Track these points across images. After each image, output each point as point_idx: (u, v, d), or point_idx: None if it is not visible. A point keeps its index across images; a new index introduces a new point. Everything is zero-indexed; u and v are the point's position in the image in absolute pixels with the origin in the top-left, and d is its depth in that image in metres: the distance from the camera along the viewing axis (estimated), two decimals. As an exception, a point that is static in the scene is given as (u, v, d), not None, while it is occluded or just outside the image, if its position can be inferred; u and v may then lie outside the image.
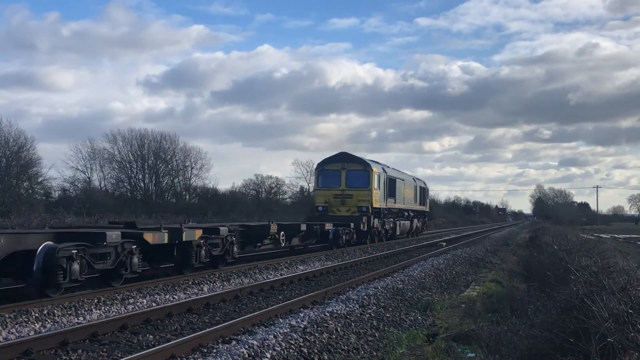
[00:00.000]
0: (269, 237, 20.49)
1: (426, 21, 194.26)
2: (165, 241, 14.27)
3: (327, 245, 25.74)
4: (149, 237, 13.68)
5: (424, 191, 44.80)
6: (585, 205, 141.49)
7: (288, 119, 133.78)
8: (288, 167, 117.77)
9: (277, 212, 57.94)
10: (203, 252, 15.61)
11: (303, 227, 23.51)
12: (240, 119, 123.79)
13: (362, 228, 28.80)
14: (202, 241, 15.54)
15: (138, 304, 11.47)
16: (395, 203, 34.95)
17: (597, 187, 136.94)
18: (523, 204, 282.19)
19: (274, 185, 70.55)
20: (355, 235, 28.04)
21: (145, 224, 23.23)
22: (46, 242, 11.24)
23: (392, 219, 34.58)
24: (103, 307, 10.90)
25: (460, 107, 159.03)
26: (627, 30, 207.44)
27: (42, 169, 49.29)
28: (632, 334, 6.70)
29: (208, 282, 14.57)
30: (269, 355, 7.86)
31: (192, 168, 59.68)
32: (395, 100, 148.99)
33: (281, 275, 16.47)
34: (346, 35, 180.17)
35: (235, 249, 17.50)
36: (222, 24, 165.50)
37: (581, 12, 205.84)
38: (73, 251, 11.27)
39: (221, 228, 16.88)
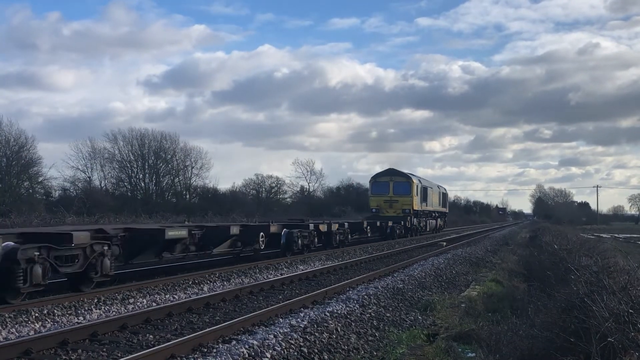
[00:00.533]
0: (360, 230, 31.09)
1: (427, 21, 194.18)
2: (326, 230, 23.92)
3: (385, 237, 34.41)
4: (322, 227, 23.53)
5: (445, 196, 56.35)
6: (585, 205, 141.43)
7: (289, 118, 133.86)
8: (288, 167, 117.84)
9: (278, 211, 57.94)
10: (338, 237, 25.45)
11: (378, 223, 33.98)
12: (240, 118, 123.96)
13: (407, 225, 38.76)
14: (336, 230, 25.24)
15: (138, 303, 11.47)
16: (426, 206, 44.43)
17: (597, 186, 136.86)
18: (523, 204, 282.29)
19: (274, 185, 70.69)
20: (403, 230, 37.93)
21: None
22: (284, 229, 20.64)
23: (424, 219, 44.23)
24: (103, 307, 10.89)
25: (460, 107, 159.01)
26: (628, 30, 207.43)
27: (42, 169, 49.38)
28: (632, 333, 6.69)
29: (208, 282, 14.56)
30: (269, 355, 7.86)
31: (192, 168, 59.76)
32: (396, 100, 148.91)
33: (281, 275, 16.46)
34: (347, 35, 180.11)
35: (349, 237, 27.58)
36: (222, 24, 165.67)
37: (581, 12, 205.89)
38: (297, 233, 20.89)
39: (345, 223, 27.12)
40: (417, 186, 41.17)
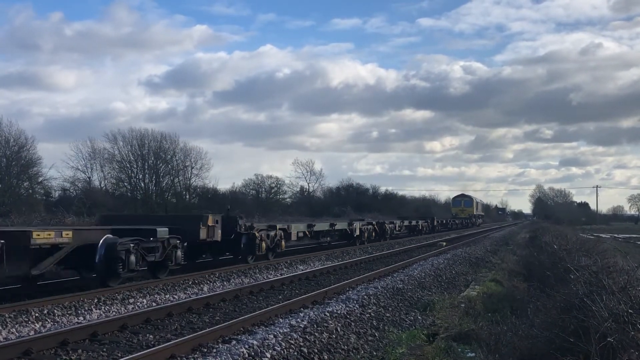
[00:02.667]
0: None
1: (428, 21, 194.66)
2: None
3: (467, 226, 68.23)
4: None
5: (483, 205, 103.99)
6: (585, 205, 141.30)
7: (289, 118, 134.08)
8: (289, 167, 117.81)
9: (278, 211, 57.92)
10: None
11: (457, 221, 66.79)
12: (241, 119, 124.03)
13: (470, 222, 74.10)
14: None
15: (138, 303, 11.49)
16: (477, 212, 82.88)
17: (597, 186, 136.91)
18: (523, 204, 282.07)
19: (273, 185, 70.58)
20: (468, 224, 72.47)
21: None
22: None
23: (476, 219, 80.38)
24: (103, 307, 10.90)
25: (461, 107, 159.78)
26: (629, 30, 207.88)
27: (42, 169, 49.26)
28: (632, 333, 6.70)
29: (208, 282, 14.57)
30: (269, 355, 7.86)
31: (192, 168, 59.56)
32: (397, 100, 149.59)
33: (281, 275, 16.47)
34: (348, 35, 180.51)
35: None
36: (224, 25, 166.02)
37: (583, 13, 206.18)
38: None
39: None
40: (474, 202, 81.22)
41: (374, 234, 32.59)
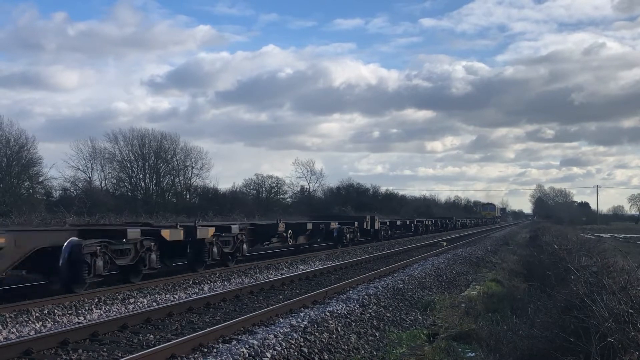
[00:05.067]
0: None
1: (430, 22, 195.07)
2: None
3: (492, 223, 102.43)
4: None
5: (499, 209, 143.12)
6: (585, 205, 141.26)
7: (291, 118, 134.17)
8: (289, 167, 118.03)
9: (278, 211, 57.88)
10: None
11: (486, 220, 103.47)
12: (243, 119, 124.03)
13: (494, 220, 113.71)
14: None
15: (138, 303, 11.49)
16: (496, 215, 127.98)
17: (597, 186, 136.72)
18: (524, 204, 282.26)
19: (274, 185, 70.54)
20: (493, 222, 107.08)
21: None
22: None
23: (496, 218, 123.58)
24: (103, 307, 10.91)
25: (463, 107, 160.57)
26: (632, 30, 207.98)
27: (42, 169, 49.24)
28: (632, 333, 6.70)
29: (208, 282, 14.57)
30: (269, 355, 7.86)
31: (192, 168, 59.58)
32: (399, 100, 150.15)
33: (282, 274, 16.47)
34: (351, 35, 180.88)
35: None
36: (227, 25, 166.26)
37: (585, 13, 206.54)
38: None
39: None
40: (496, 208, 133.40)
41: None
